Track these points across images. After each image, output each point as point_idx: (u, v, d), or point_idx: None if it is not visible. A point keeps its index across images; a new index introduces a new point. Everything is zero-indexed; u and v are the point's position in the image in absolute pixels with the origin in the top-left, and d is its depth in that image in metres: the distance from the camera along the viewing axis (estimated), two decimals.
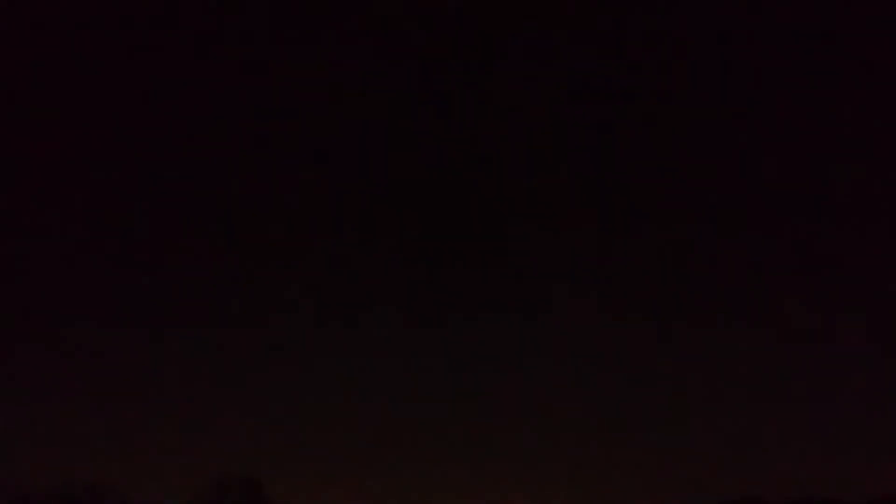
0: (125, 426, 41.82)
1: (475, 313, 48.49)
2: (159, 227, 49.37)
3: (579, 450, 42.34)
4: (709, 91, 50.52)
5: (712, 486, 38.35)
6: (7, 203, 47.58)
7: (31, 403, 42.01)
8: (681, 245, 48.93)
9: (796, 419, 42.74)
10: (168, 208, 49.60)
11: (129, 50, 49.11)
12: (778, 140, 50.01)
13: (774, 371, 45.07)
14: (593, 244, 49.40)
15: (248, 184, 50.55)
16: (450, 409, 44.46)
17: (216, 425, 42.65)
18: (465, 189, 51.11)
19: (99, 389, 43.51)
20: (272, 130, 51.06)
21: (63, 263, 47.69)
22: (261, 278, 48.98)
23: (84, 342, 45.47)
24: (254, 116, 50.76)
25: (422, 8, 49.51)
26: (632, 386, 45.31)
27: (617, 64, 50.53)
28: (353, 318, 48.34)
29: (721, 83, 50.32)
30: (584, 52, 50.60)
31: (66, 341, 45.32)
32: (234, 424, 42.82)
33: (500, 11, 50.00)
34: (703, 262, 48.75)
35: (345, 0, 49.96)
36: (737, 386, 44.92)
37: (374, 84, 50.70)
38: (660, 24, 49.66)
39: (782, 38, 49.04)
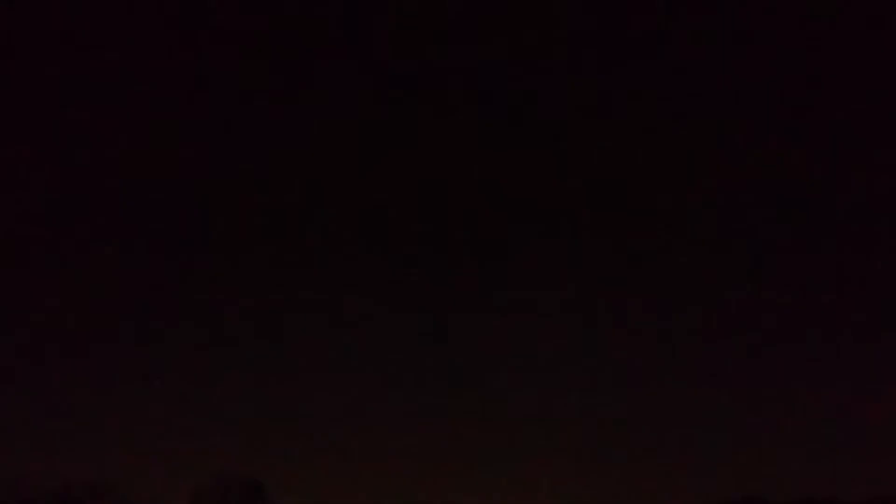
0: (125, 426, 41.87)
1: (476, 314, 48.53)
2: (159, 226, 49.43)
3: (579, 450, 42.38)
4: (706, 90, 50.63)
5: (712, 486, 38.38)
6: (8, 201, 47.65)
7: (31, 403, 42.08)
8: (680, 243, 48.97)
9: (796, 419, 42.78)
10: (170, 208, 49.68)
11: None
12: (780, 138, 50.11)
13: (774, 370, 45.14)
14: (594, 242, 49.48)
15: (247, 184, 50.60)
16: (451, 409, 44.51)
17: (216, 425, 42.68)
18: (465, 188, 51.18)
19: (99, 389, 43.57)
20: (271, 129, 51.12)
21: (62, 262, 47.73)
22: (261, 278, 49.03)
23: (84, 341, 45.54)
24: (252, 115, 50.82)
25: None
26: (631, 386, 45.36)
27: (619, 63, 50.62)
28: (353, 317, 48.40)
29: (723, 83, 50.42)
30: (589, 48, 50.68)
31: (66, 340, 45.39)
32: (234, 424, 42.85)
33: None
34: (703, 260, 48.78)
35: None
36: (737, 385, 44.99)
37: (372, 82, 50.79)
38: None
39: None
